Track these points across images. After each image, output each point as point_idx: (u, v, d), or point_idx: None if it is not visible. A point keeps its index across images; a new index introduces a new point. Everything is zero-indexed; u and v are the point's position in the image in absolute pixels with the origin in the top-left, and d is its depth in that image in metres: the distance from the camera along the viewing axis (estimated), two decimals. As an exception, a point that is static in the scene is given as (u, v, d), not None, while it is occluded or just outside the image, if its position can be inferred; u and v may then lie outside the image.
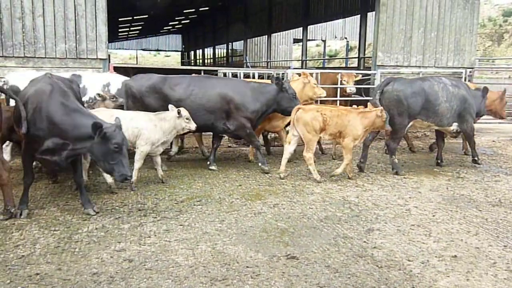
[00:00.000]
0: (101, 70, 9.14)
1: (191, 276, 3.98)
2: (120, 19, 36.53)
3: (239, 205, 5.92)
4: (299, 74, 9.03)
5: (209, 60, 48.19)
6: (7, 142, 7.02)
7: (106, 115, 6.03)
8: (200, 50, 50.58)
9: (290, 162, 8.52)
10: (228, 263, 4.24)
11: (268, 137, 9.54)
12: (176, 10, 35.82)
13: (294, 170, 7.90)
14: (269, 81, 8.23)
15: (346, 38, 36.10)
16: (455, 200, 6.39)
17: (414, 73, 11.68)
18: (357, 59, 21.25)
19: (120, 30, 45.69)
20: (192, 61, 54.47)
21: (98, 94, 7.34)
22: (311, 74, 9.25)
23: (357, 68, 19.76)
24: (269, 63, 29.91)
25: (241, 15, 32.64)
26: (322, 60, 39.19)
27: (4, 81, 7.64)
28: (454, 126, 8.06)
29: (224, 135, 8.20)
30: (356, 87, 10.73)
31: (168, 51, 65.54)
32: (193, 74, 9.80)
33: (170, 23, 46.59)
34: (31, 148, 5.35)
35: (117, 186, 6.46)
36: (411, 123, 7.89)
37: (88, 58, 9.19)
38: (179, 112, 6.66)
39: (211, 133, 8.14)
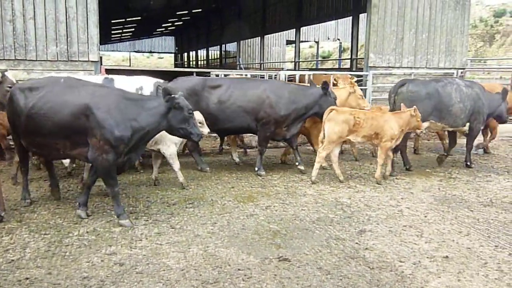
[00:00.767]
0: (92, 72, 9.10)
1: (182, 279, 3.96)
2: (113, 21, 36.41)
3: (232, 207, 5.91)
4: (350, 80, 8.95)
5: (202, 62, 48.18)
6: None
7: None
8: (194, 52, 50.57)
9: (283, 164, 8.55)
10: (219, 265, 4.22)
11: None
12: (169, 12, 35.77)
13: (287, 172, 7.90)
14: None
15: (339, 39, 36.24)
16: (447, 200, 6.42)
17: (406, 74, 11.73)
18: (349, 60, 21.32)
19: (113, 32, 45.54)
20: (186, 63, 54.43)
21: None
22: (303, 75, 9.27)
23: (350, 69, 19.82)
24: (262, 65, 29.94)
25: (234, 17, 32.69)
26: (315, 62, 39.28)
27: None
28: (467, 126, 8.18)
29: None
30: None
31: (162, 53, 65.45)
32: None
33: (164, 25, 46.51)
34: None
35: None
36: (426, 125, 7.93)
37: (80, 61, 9.15)
38: None
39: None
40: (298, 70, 22.75)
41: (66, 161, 7.31)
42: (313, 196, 6.52)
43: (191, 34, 47.93)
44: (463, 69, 12.47)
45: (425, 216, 5.71)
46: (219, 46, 40.19)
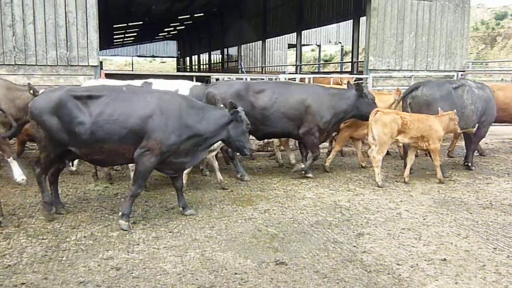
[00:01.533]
0: (92, 77, 9.12)
1: (178, 283, 3.95)
2: (115, 26, 36.57)
3: (230, 211, 5.90)
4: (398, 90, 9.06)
5: (204, 66, 48.28)
6: None
7: None
8: (196, 56, 50.68)
9: (282, 168, 8.54)
10: (216, 270, 4.21)
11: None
12: (171, 16, 35.90)
13: (286, 176, 7.88)
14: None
15: (340, 42, 36.25)
16: (446, 203, 6.39)
17: (406, 77, 11.73)
18: (350, 63, 21.33)
19: (115, 36, 45.74)
20: (188, 67, 54.55)
21: None
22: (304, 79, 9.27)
23: (351, 72, 19.82)
24: (263, 68, 29.97)
25: (235, 20, 32.75)
26: (317, 65, 39.30)
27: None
28: (476, 127, 8.22)
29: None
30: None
31: (164, 57, 65.64)
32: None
33: (166, 29, 46.70)
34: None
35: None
36: None
37: (80, 65, 9.17)
38: None
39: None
40: (300, 73, 22.75)
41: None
42: (312, 199, 6.50)
43: (193, 38, 48.05)
44: (464, 71, 12.45)
45: (424, 219, 5.69)
46: (220, 50, 40.27)
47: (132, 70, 51.06)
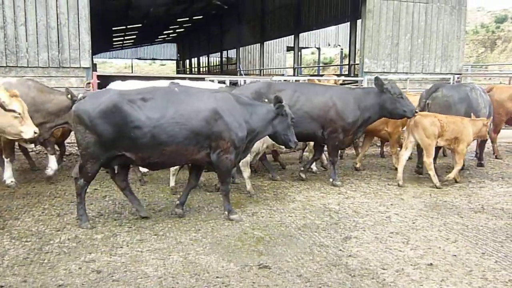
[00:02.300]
0: (84, 79, 9.08)
1: (158, 287, 3.89)
2: (114, 28, 36.57)
3: (217, 214, 5.84)
4: None
5: (204, 69, 48.27)
6: None
7: None
8: (195, 59, 50.67)
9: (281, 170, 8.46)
10: (198, 273, 4.15)
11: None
12: (170, 19, 35.90)
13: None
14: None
15: (339, 45, 36.22)
16: (437, 206, 6.33)
17: (401, 79, 11.67)
18: (348, 66, 21.30)
19: (114, 39, 45.71)
20: (188, 70, 54.54)
21: None
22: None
23: (348, 75, 19.79)
24: (262, 71, 29.95)
25: (234, 23, 32.73)
26: (316, 68, 39.27)
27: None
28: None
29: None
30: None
31: (163, 59, 65.59)
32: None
33: (165, 32, 46.67)
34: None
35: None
36: None
37: (71, 67, 9.14)
38: None
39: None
40: (298, 76, 22.72)
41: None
42: (302, 202, 6.44)
43: (193, 41, 48.02)
44: (460, 74, 12.40)
45: (413, 223, 5.62)
46: (219, 53, 40.26)
47: (132, 72, 51.08)
